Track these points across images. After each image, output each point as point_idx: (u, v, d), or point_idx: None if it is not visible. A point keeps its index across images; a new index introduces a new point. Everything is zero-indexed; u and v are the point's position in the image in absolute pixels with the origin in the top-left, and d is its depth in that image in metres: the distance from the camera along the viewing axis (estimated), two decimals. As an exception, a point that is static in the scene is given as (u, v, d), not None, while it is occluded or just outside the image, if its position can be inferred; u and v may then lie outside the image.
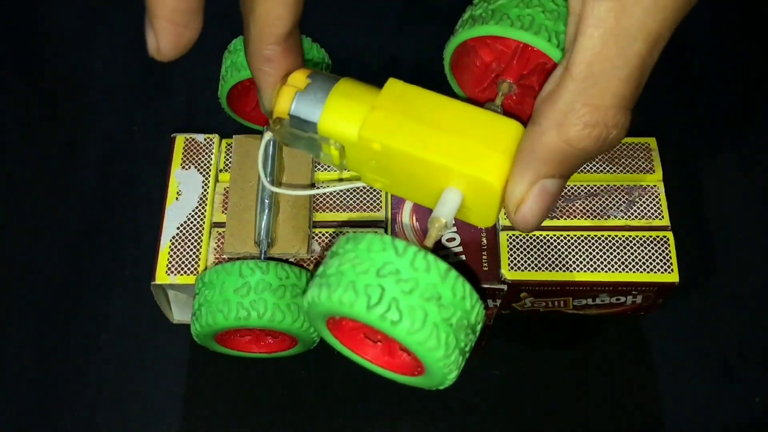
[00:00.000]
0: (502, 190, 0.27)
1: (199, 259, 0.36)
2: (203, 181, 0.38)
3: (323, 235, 0.37)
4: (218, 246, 0.37)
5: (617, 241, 0.36)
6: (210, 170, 0.38)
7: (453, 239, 0.37)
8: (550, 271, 0.36)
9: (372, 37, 0.52)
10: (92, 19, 0.54)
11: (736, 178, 0.44)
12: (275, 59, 0.28)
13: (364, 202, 0.38)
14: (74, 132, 0.50)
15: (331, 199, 0.38)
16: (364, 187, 0.38)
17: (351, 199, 0.38)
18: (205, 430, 0.35)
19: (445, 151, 0.27)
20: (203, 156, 0.39)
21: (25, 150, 0.50)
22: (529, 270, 0.36)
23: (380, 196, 0.38)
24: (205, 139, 0.39)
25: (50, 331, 0.44)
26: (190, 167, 0.39)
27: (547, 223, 0.37)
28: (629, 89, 0.24)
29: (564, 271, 0.36)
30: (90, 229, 0.48)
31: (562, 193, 0.37)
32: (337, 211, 0.38)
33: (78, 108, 0.51)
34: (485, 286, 0.36)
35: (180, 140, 0.39)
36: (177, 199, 0.38)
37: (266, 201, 0.36)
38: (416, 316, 0.24)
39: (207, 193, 0.38)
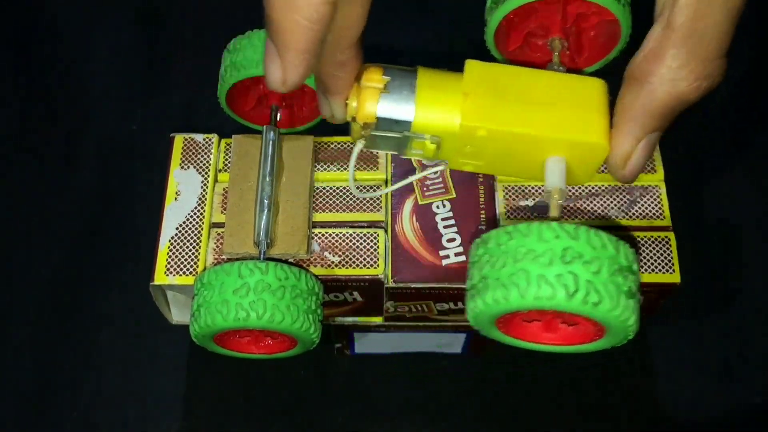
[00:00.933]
0: (609, 147, 0.28)
1: (198, 260, 0.36)
2: (202, 181, 0.38)
3: (323, 235, 0.37)
4: (217, 246, 0.36)
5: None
6: (209, 170, 0.38)
7: (453, 239, 0.36)
8: None
9: (371, 33, 0.51)
10: (91, 18, 0.54)
11: (738, 177, 0.44)
12: (349, 63, 0.27)
13: (364, 202, 0.38)
14: (73, 131, 0.51)
15: (330, 198, 0.38)
16: (365, 186, 0.38)
17: (351, 199, 0.38)
18: (205, 430, 0.35)
19: (547, 123, 0.27)
20: (202, 156, 0.39)
21: (24, 149, 0.50)
22: None
23: (380, 196, 0.38)
24: (204, 139, 0.39)
25: (50, 331, 0.44)
26: (189, 167, 0.38)
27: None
28: (728, 40, 0.26)
29: None
30: (89, 229, 0.48)
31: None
32: (337, 211, 0.37)
33: (77, 107, 0.51)
34: None
35: (179, 140, 0.39)
36: (176, 199, 0.38)
37: (265, 201, 0.35)
38: (611, 293, 0.25)
39: (206, 193, 0.38)
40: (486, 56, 0.34)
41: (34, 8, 0.54)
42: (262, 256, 0.35)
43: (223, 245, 0.36)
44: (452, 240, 0.37)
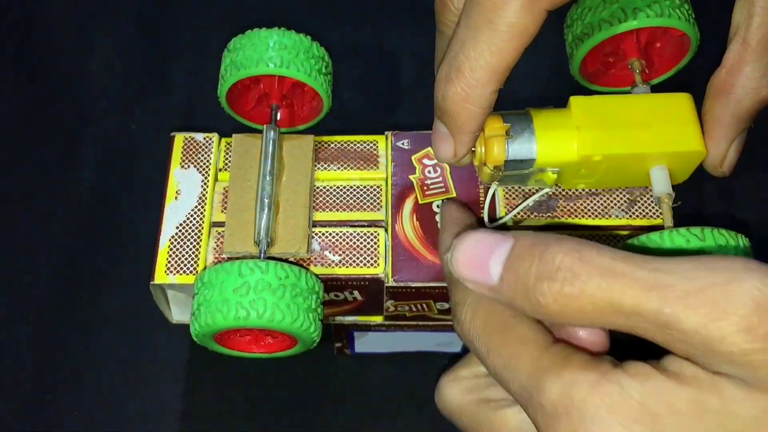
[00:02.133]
0: (705, 152, 0.32)
1: (198, 259, 0.36)
2: (203, 181, 0.38)
3: (323, 234, 0.37)
4: (218, 246, 0.36)
5: (619, 241, 0.36)
6: (209, 169, 0.38)
7: None
8: None
9: (372, 32, 0.51)
10: (91, 17, 0.54)
11: (740, 174, 0.43)
12: (491, 101, 0.29)
13: (365, 201, 0.38)
14: (73, 130, 0.50)
15: (330, 198, 0.38)
16: (364, 186, 0.38)
17: (351, 198, 0.38)
18: (205, 430, 0.35)
19: (650, 140, 0.32)
20: (202, 155, 0.39)
21: (23, 148, 0.50)
22: None
23: (380, 195, 0.38)
24: (204, 138, 0.39)
25: (49, 330, 0.44)
26: (189, 166, 0.38)
27: (548, 222, 0.37)
28: None
29: None
30: (89, 228, 0.48)
31: (565, 193, 0.36)
32: (338, 210, 0.37)
33: (77, 106, 0.51)
34: None
35: (179, 139, 0.39)
36: (176, 198, 0.38)
37: (266, 200, 0.35)
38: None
39: (206, 192, 0.38)
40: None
41: (34, 8, 0.54)
42: (262, 255, 0.35)
43: (224, 244, 0.36)
44: (452, 239, 0.36)
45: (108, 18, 0.54)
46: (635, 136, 0.32)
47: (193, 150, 0.39)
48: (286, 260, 0.35)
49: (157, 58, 0.52)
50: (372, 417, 0.38)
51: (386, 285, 0.36)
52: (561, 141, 0.32)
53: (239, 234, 0.36)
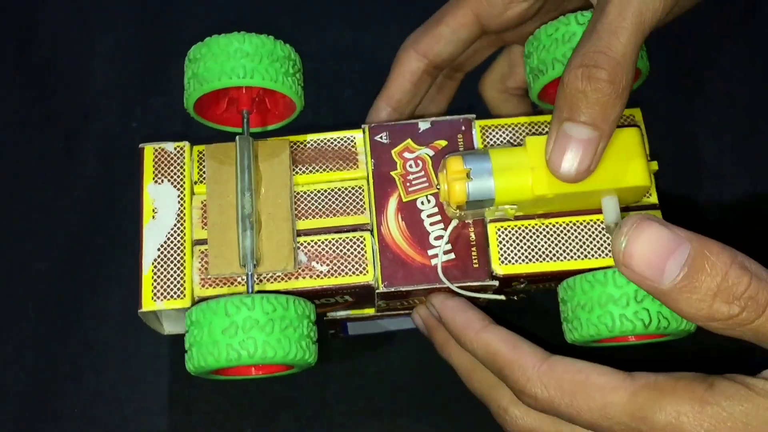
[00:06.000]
0: (649, 185, 0.34)
1: (184, 282, 0.35)
2: (179, 196, 0.37)
3: (308, 243, 0.36)
4: (202, 266, 0.36)
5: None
6: (184, 183, 0.37)
7: (440, 237, 0.36)
8: (541, 261, 0.36)
9: (372, 32, 0.51)
10: (91, 16, 0.54)
11: (725, 150, 0.43)
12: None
13: (347, 204, 0.37)
14: (73, 129, 0.50)
15: (312, 204, 0.37)
16: (346, 189, 0.37)
17: (333, 202, 0.37)
18: (205, 428, 0.35)
19: (601, 178, 0.33)
20: (175, 167, 0.37)
21: (23, 147, 0.50)
22: (521, 262, 0.36)
23: (363, 196, 0.37)
24: (175, 148, 0.37)
25: (49, 330, 0.44)
26: (162, 181, 0.37)
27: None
28: None
29: (555, 260, 0.36)
30: (89, 227, 0.47)
31: None
32: (320, 216, 0.37)
33: (77, 105, 0.51)
34: (475, 284, 0.35)
35: (149, 151, 0.37)
36: (153, 217, 0.36)
37: (247, 221, 0.34)
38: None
39: (184, 208, 0.36)
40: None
41: (34, 8, 0.54)
42: (250, 287, 0.34)
43: (209, 267, 0.35)
44: (439, 238, 0.36)
45: (108, 19, 0.53)
46: None
47: (165, 162, 0.37)
48: (274, 278, 0.35)
49: (157, 58, 0.51)
50: (372, 417, 0.38)
51: (377, 291, 0.36)
52: (517, 183, 0.33)
53: (224, 255, 0.35)
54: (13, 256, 0.47)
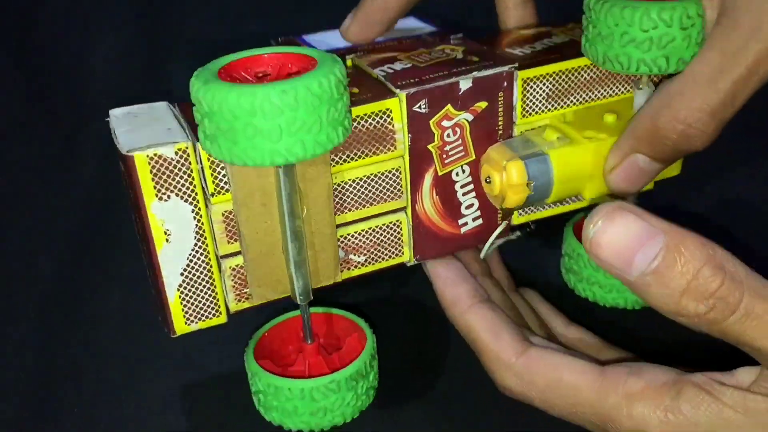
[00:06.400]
0: None
1: (218, 302, 0.32)
2: (193, 211, 0.30)
3: (346, 237, 0.33)
4: (235, 283, 0.32)
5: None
6: (196, 193, 0.30)
7: (472, 205, 0.35)
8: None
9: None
10: (91, 16, 0.55)
11: (740, 175, 0.42)
12: None
13: (385, 192, 0.33)
14: (73, 129, 0.51)
15: (348, 197, 0.32)
16: (382, 174, 0.33)
17: (370, 192, 0.33)
18: (205, 429, 0.36)
19: None
20: (181, 177, 0.29)
21: (24, 148, 0.51)
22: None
23: (400, 179, 0.33)
24: (176, 152, 0.29)
25: (49, 330, 0.42)
26: (169, 197, 0.29)
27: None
28: None
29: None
30: (89, 227, 0.48)
31: None
32: (357, 208, 0.33)
33: (77, 105, 0.52)
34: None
35: (142, 161, 0.28)
36: (168, 241, 0.30)
37: (301, 258, 0.30)
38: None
39: (202, 224, 0.30)
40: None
41: (34, 8, 0.55)
42: (308, 338, 0.32)
43: (252, 295, 0.32)
44: (471, 206, 0.35)
45: (108, 19, 0.55)
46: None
47: (167, 173, 0.29)
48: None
49: (157, 58, 0.52)
50: (372, 417, 0.35)
51: (408, 264, 0.35)
52: (573, 189, 0.34)
53: (269, 281, 0.32)
54: (13, 255, 0.47)
